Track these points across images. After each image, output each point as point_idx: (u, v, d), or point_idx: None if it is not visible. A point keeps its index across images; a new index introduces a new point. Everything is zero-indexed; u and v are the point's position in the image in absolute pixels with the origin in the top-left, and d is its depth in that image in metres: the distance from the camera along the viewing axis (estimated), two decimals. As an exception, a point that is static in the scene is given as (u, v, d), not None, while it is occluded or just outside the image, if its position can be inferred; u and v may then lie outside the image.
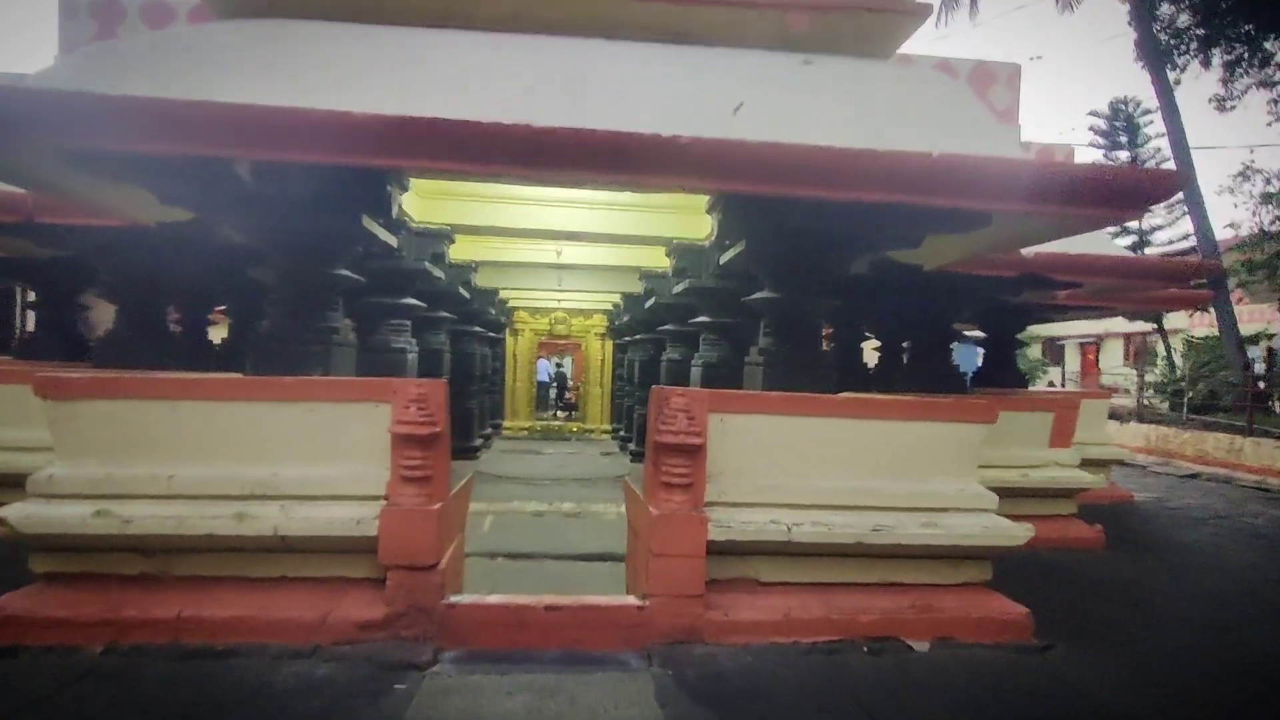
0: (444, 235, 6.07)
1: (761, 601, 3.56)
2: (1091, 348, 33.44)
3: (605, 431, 15.38)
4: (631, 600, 3.60)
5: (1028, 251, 5.05)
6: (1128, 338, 30.64)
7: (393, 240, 4.76)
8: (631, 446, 11.40)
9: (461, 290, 7.97)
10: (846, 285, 5.09)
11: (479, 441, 11.33)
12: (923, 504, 3.63)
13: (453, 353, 10.83)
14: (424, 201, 5.99)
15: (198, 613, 3.23)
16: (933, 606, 3.58)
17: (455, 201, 6.01)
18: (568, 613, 3.42)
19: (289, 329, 3.89)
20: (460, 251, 7.96)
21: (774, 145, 2.98)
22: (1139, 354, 29.63)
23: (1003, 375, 8.08)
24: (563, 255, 8.07)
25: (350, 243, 4.16)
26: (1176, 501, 9.18)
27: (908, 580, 3.65)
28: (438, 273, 6.38)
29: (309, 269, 3.93)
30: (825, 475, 3.62)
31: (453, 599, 3.43)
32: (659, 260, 8.18)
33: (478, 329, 11.06)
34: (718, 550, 3.50)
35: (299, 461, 3.42)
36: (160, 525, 3.20)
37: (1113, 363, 31.54)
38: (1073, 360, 34.49)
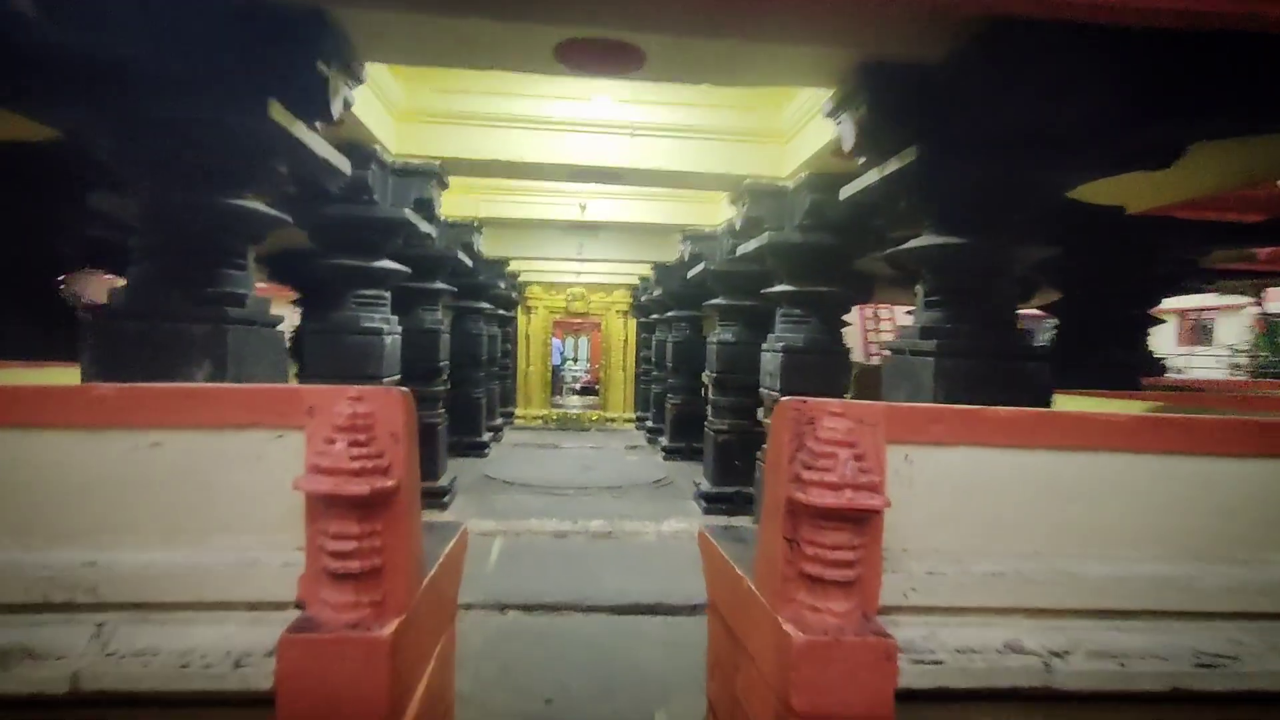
0: (433, 174, 4.46)
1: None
2: (1139, 326, 31.33)
3: (629, 420, 13.82)
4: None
5: None
6: (1182, 315, 28.59)
7: (344, 165, 3.15)
8: (664, 442, 9.84)
9: (461, 255, 6.37)
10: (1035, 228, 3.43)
11: (488, 436, 9.79)
12: None
13: (455, 333, 9.26)
14: (405, 128, 4.38)
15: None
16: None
17: (449, 128, 4.39)
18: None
19: (154, 298, 2.31)
20: (458, 205, 6.36)
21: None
22: (1194, 333, 27.72)
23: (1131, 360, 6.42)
24: (587, 211, 6.43)
25: (261, 154, 2.56)
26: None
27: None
28: (426, 228, 4.78)
29: (182, 196, 2.33)
30: (1106, 554, 2.00)
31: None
32: (708, 215, 6.54)
33: (484, 305, 9.48)
34: (909, 697, 1.91)
35: (135, 537, 1.85)
36: None
37: (1163, 343, 29.51)
38: (1118, 339, 32.43)
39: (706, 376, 6.85)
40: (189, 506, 1.88)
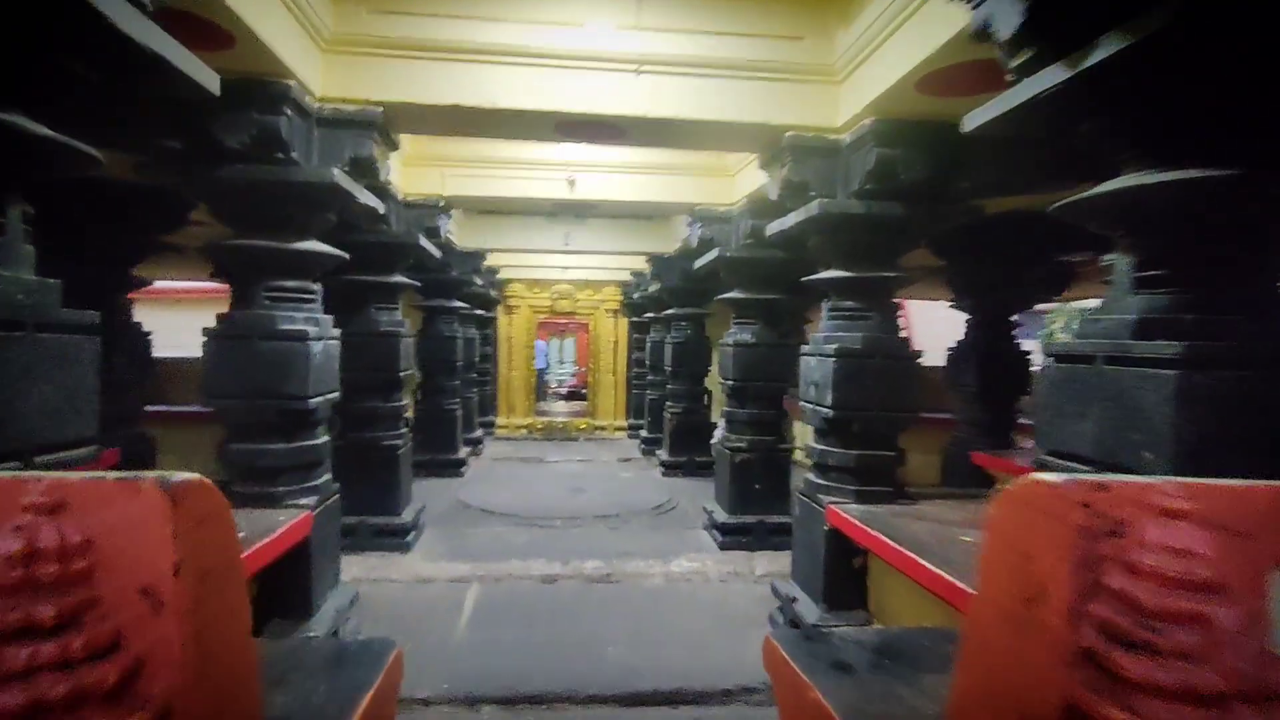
0: (372, 125, 3.34)
1: None
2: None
3: (620, 428, 12.73)
4: None
5: None
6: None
7: (212, 82, 2.02)
8: (662, 455, 8.77)
9: (425, 243, 5.25)
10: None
11: (465, 452, 8.66)
12: None
13: (425, 337, 8.14)
14: (334, 62, 3.27)
15: None
16: None
17: (394, 64, 3.29)
18: None
19: None
20: (419, 181, 5.24)
21: None
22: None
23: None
24: (576, 187, 5.34)
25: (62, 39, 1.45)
26: None
27: None
28: (369, 200, 3.67)
29: None
30: None
31: None
32: (721, 192, 5.47)
33: (459, 304, 8.35)
34: None
35: None
36: None
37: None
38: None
39: (719, 384, 5.79)
40: None
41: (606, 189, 5.40)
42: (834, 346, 3.56)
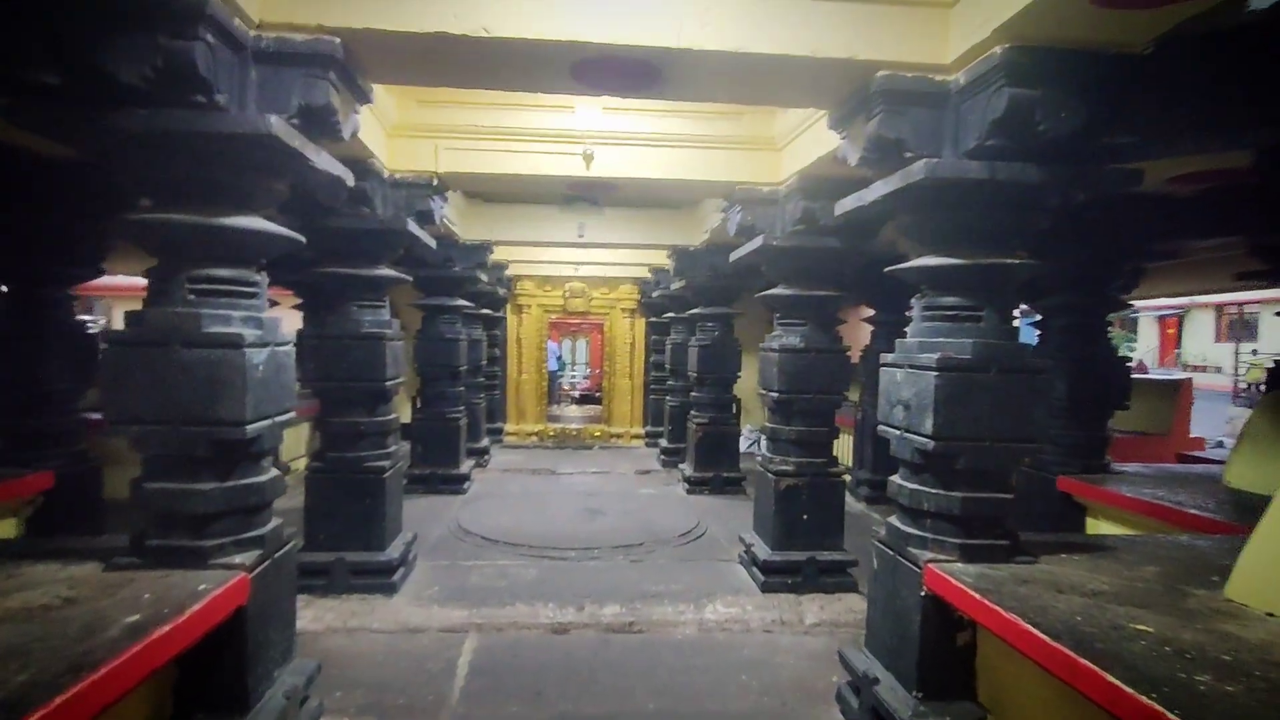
0: (327, 61, 2.52)
1: None
2: (1172, 321, 29.45)
3: (637, 436, 11.89)
4: None
5: None
6: (1220, 309, 26.72)
7: None
8: (685, 470, 7.92)
9: (414, 228, 4.43)
10: None
11: (469, 465, 7.85)
12: None
13: (425, 339, 7.34)
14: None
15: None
16: None
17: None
18: None
19: None
20: (408, 153, 4.43)
21: None
22: (1233, 328, 25.73)
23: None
24: (594, 163, 4.50)
25: None
26: None
27: None
28: (330, 165, 2.85)
29: None
30: None
31: None
32: (766, 169, 4.61)
33: (463, 303, 7.54)
34: None
35: None
36: None
37: (1200, 339, 27.66)
38: (1148, 335, 30.56)
39: (759, 395, 4.93)
40: None
41: (629, 165, 4.55)
42: (935, 356, 2.70)
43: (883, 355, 3.13)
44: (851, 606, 4.57)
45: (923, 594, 2.74)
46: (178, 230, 2.48)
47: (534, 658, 3.94)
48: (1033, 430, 2.73)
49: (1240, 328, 25.55)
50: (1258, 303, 23.94)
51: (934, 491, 2.82)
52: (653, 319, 11.39)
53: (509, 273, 10.20)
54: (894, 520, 3.05)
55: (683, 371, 8.81)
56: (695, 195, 5.78)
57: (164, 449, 2.51)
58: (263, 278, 2.78)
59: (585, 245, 7.81)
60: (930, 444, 2.72)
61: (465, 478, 7.59)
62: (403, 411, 9.84)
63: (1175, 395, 7.26)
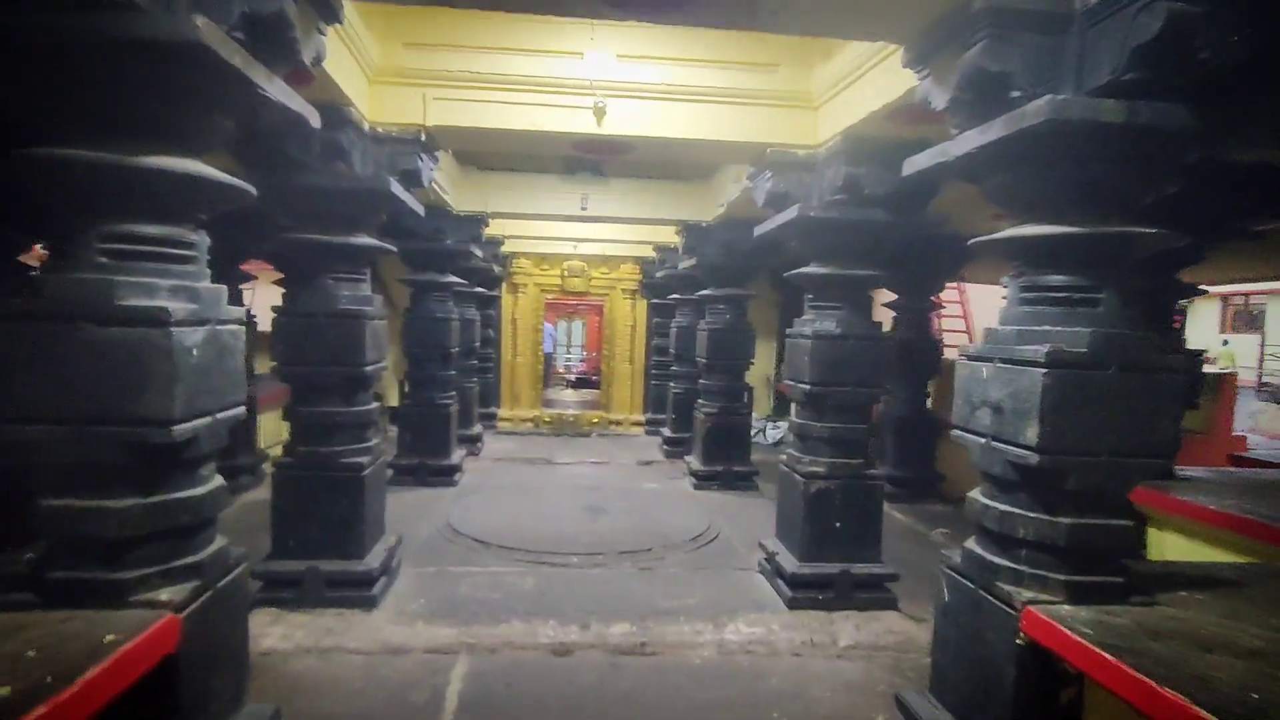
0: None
1: None
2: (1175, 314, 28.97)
3: (636, 423, 11.36)
4: None
5: None
6: (1225, 299, 26.30)
7: None
8: (693, 463, 7.41)
9: (398, 190, 3.84)
10: None
11: (460, 454, 7.31)
12: None
13: (413, 318, 6.76)
14: None
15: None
16: None
17: None
18: None
19: None
20: (392, 103, 3.83)
21: None
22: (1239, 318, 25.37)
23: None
24: (607, 118, 3.91)
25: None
26: None
27: None
28: (290, 100, 2.26)
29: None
30: None
31: None
32: (801, 130, 4.04)
33: (455, 280, 6.95)
34: None
35: None
36: None
37: (1205, 329, 27.25)
38: (1150, 326, 30.01)
39: (793, 389, 4.39)
40: None
41: (646, 122, 3.96)
42: (1043, 350, 2.16)
43: (962, 347, 2.59)
44: (890, 627, 4.07)
45: (1019, 641, 2.23)
46: (87, 171, 1.89)
47: (533, 685, 3.42)
48: (1161, 443, 2.21)
49: (1247, 319, 25.15)
50: (1265, 293, 23.54)
51: (1033, 515, 2.30)
52: (655, 300, 10.82)
53: (504, 249, 9.59)
54: (974, 546, 2.53)
55: (688, 356, 8.26)
56: (720, 159, 5.18)
57: (67, 456, 1.95)
58: (202, 238, 2.21)
59: (588, 219, 7.22)
60: (1033, 457, 2.19)
61: (456, 468, 7.05)
62: (389, 396, 9.33)
63: (1217, 390, 6.78)
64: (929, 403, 7.26)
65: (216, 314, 2.17)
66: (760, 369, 9.64)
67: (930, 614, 4.36)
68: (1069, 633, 2.04)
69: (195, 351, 2.04)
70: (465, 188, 6.65)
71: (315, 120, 2.51)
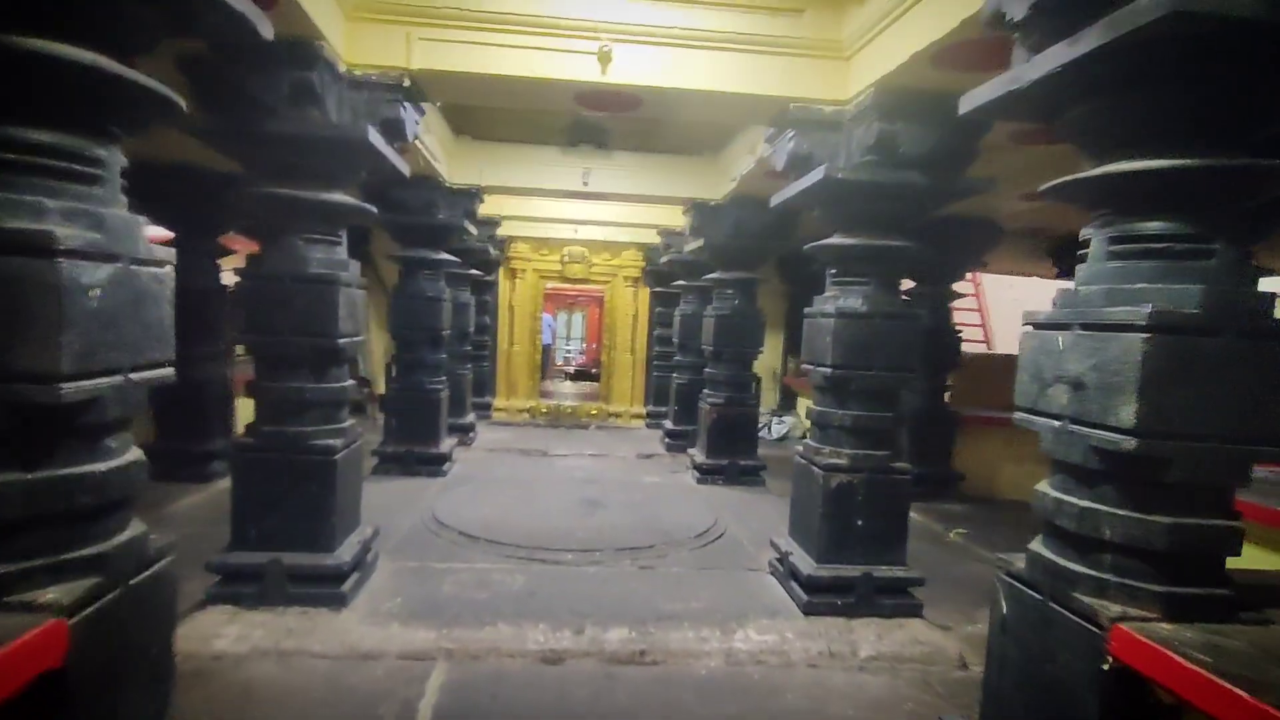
0: None
1: None
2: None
3: (637, 416, 10.96)
4: None
5: None
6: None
7: None
8: (696, 456, 7.00)
9: (378, 140, 3.42)
10: None
11: (450, 443, 6.91)
12: None
13: (402, 297, 6.35)
14: None
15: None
16: None
17: None
18: None
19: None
20: (373, 42, 3.42)
21: None
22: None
23: None
24: (613, 64, 3.50)
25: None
26: None
27: None
28: (245, 9, 1.85)
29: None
30: None
31: None
32: (832, 83, 3.63)
33: (448, 258, 6.54)
34: None
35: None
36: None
37: None
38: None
39: (812, 374, 3.98)
40: None
41: (656, 71, 3.55)
42: (1143, 311, 1.76)
43: (1027, 313, 2.19)
44: (916, 636, 3.67)
45: (1106, 665, 1.82)
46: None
47: (519, 698, 3.02)
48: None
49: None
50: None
51: (1122, 513, 1.89)
52: (658, 289, 10.41)
53: (502, 232, 9.18)
54: (1041, 548, 2.12)
55: (693, 345, 7.85)
56: (736, 117, 4.73)
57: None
58: (113, 156, 1.80)
59: (590, 196, 6.81)
60: (1128, 442, 1.78)
61: (445, 458, 6.64)
62: (377, 384, 8.92)
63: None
64: (947, 397, 6.85)
65: (131, 250, 1.76)
66: (766, 361, 9.22)
67: (957, 622, 4.01)
68: (1180, 659, 1.63)
69: (96, 293, 1.64)
70: (459, 158, 6.24)
71: (266, 29, 2.10)
